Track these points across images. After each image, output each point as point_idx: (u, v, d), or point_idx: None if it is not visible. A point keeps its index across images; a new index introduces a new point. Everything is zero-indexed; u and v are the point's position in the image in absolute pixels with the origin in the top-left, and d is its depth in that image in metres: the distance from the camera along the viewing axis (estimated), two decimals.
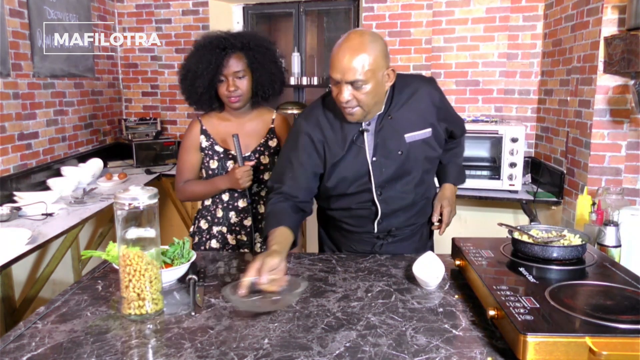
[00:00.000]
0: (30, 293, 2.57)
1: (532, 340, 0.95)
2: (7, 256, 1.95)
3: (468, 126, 3.04)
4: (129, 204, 1.18)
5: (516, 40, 3.31)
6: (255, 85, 1.86)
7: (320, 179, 1.65)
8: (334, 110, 1.59)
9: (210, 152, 1.93)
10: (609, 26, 2.29)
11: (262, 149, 1.93)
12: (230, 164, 1.91)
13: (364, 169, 1.60)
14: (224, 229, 1.96)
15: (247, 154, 1.90)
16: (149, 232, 1.22)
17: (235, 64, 1.80)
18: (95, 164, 3.40)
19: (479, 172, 3.15)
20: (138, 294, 1.21)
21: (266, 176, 1.93)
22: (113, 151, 3.80)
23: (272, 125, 1.95)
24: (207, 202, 1.98)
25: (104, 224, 3.30)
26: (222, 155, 1.92)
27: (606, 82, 2.33)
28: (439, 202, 1.76)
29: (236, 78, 1.81)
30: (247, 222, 1.94)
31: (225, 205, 1.95)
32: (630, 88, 2.21)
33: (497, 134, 2.95)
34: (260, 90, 1.88)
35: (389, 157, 1.59)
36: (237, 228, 1.95)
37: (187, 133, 1.96)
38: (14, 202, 2.63)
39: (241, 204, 1.94)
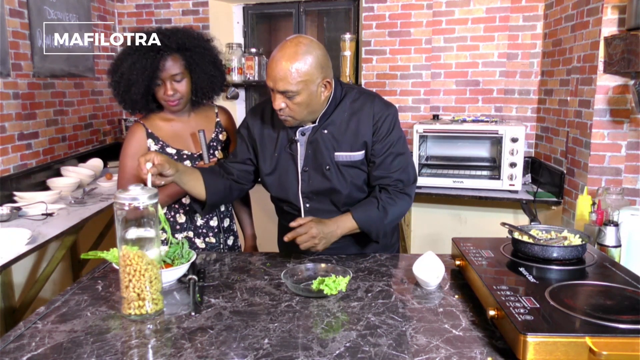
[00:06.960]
0: (30, 293, 2.57)
1: (532, 340, 0.95)
2: (7, 256, 1.95)
3: (468, 126, 3.10)
4: (129, 204, 1.18)
5: (516, 40, 3.31)
6: (195, 87, 1.77)
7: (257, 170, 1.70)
8: None
9: None
10: (609, 26, 2.29)
11: (214, 144, 1.87)
12: (187, 164, 1.80)
13: (294, 176, 1.62)
14: (191, 234, 1.86)
15: (201, 152, 1.81)
16: (149, 232, 1.22)
17: (172, 67, 1.68)
18: (95, 164, 3.41)
19: (479, 172, 3.15)
20: (138, 294, 1.21)
21: None
22: (113, 151, 3.79)
23: (218, 119, 1.90)
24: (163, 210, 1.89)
25: (103, 224, 3.30)
26: (175, 158, 1.79)
27: (606, 82, 2.33)
28: (315, 225, 1.47)
29: (174, 81, 1.70)
30: (213, 222, 1.89)
31: (188, 208, 1.85)
32: (630, 88, 2.22)
33: (497, 134, 2.95)
34: (200, 92, 1.79)
35: (317, 171, 1.59)
36: (204, 230, 1.88)
37: (129, 139, 1.80)
38: (14, 202, 2.63)
39: None
